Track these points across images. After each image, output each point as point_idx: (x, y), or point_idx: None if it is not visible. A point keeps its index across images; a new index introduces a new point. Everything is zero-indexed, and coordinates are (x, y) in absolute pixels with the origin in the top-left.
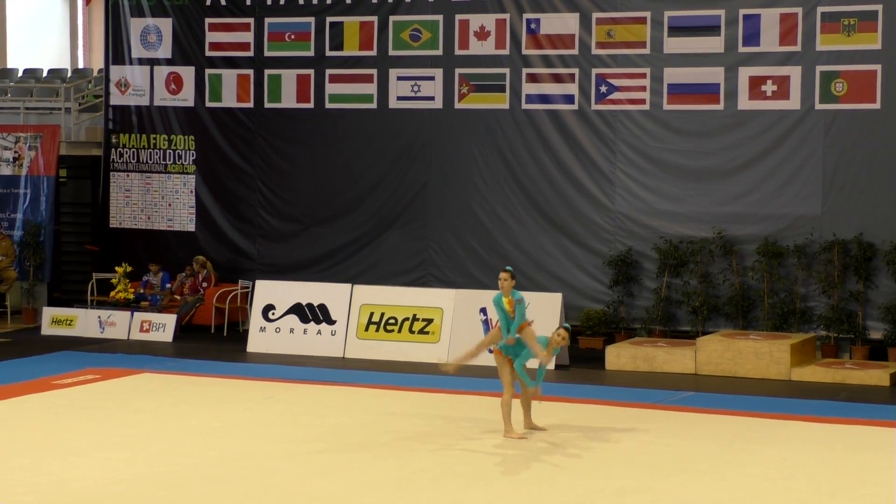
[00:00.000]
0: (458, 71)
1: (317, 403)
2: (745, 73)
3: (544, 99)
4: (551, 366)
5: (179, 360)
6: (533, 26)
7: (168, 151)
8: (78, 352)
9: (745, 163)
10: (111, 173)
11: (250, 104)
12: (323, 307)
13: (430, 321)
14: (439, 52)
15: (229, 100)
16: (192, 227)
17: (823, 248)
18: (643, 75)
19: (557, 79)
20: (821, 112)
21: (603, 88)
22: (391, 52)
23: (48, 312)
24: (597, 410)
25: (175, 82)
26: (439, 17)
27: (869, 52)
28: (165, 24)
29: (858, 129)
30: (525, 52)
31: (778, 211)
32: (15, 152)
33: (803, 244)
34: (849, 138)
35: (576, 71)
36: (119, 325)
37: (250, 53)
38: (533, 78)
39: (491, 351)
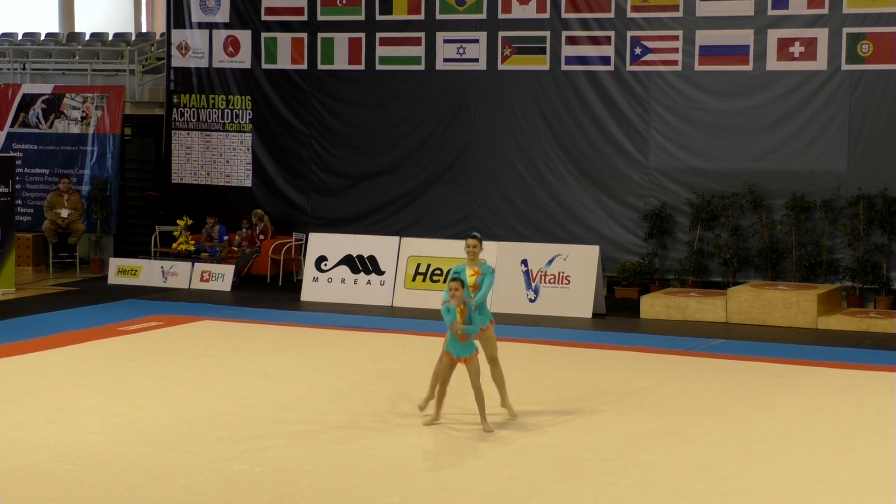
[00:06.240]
0: (501, 34)
1: (367, 350)
2: (773, 35)
3: (582, 60)
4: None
5: (237, 308)
6: None
7: (226, 111)
8: (142, 300)
9: (773, 121)
10: (173, 131)
11: (304, 66)
12: (372, 258)
13: None
14: (483, 15)
15: (284, 62)
16: (248, 183)
17: (849, 202)
18: (676, 38)
19: (594, 41)
20: (846, 72)
21: (637, 50)
22: (438, 16)
23: (114, 263)
24: (632, 357)
25: (232, 45)
26: None
27: (894, 15)
28: None
29: (883, 89)
30: (564, 15)
31: (805, 167)
32: (83, 112)
33: (830, 199)
34: (874, 97)
35: (612, 34)
36: (181, 274)
37: (304, 17)
38: (571, 40)
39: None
